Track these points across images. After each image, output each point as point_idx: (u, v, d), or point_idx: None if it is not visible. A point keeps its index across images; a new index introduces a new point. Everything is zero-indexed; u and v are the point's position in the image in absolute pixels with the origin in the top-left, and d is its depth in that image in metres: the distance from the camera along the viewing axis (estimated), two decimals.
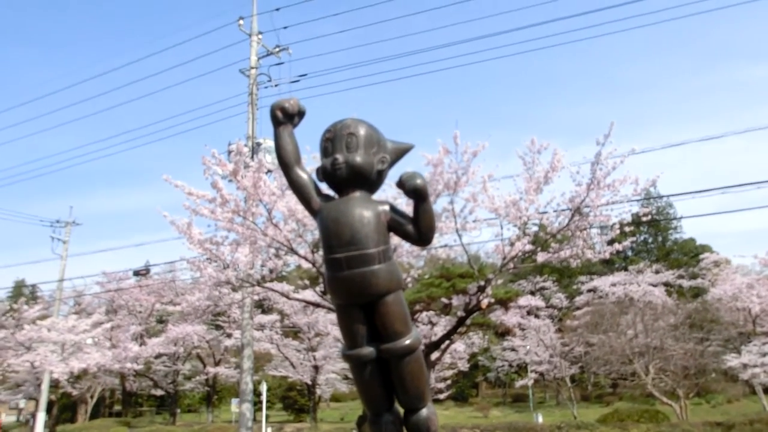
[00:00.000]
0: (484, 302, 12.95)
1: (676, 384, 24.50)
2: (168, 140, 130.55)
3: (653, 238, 48.99)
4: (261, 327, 27.37)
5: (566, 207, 12.01)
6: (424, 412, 3.09)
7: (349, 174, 3.16)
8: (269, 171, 11.70)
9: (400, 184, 3.08)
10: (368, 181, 3.24)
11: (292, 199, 11.11)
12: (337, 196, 3.27)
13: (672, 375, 24.80)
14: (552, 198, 11.96)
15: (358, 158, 3.15)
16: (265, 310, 30.12)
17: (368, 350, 3.03)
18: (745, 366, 23.67)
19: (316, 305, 14.54)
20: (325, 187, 3.39)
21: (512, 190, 11.90)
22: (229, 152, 14.31)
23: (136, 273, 23.76)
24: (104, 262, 64.23)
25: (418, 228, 3.15)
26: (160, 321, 35.60)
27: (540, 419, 27.43)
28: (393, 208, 3.23)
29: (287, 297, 14.64)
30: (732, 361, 23.88)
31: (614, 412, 24.92)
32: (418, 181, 3.04)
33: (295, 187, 3.34)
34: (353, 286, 2.99)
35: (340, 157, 3.15)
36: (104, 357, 23.24)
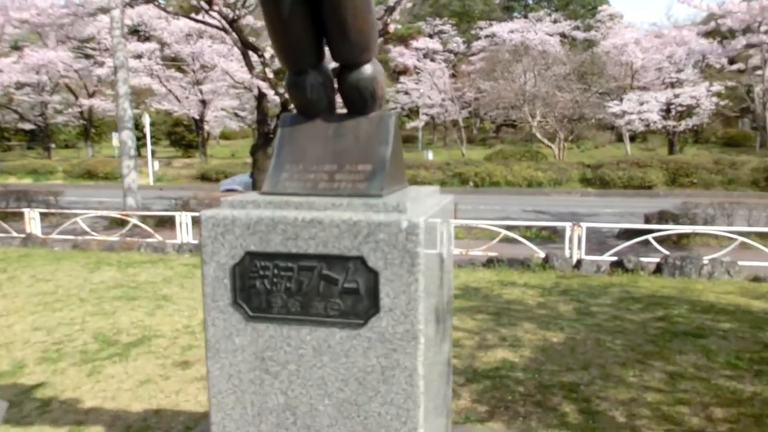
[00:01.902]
0: (391, 27, 11.91)
1: (558, 128, 26.03)
2: None
3: None
4: (138, 56, 24.69)
5: None
6: (368, 68, 2.03)
7: None
8: None
9: None
10: None
11: None
12: None
13: (555, 120, 26.22)
14: None
15: None
16: (142, 38, 26.95)
17: None
18: (624, 113, 25.32)
19: (200, 23, 12.68)
20: None
21: None
22: None
23: None
24: None
25: None
26: (16, 48, 31.25)
27: (430, 156, 28.78)
28: None
29: (166, 11, 12.56)
30: (614, 108, 25.38)
31: (499, 152, 26.54)
32: None
33: None
34: None
35: None
36: None
